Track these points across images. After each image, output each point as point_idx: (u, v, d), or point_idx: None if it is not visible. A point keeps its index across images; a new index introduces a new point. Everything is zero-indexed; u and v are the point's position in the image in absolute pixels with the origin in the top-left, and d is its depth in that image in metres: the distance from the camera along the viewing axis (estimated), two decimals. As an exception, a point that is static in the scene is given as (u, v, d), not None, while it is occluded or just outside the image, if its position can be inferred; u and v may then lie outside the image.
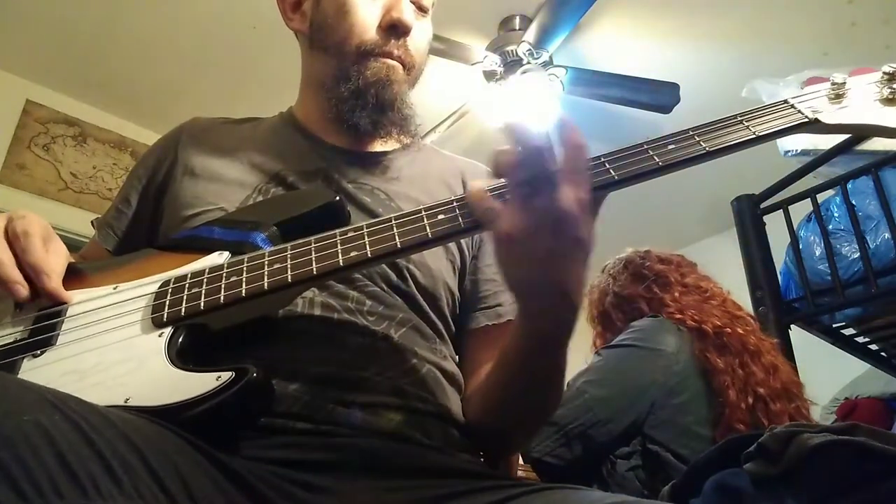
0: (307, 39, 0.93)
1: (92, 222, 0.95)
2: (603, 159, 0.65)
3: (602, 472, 1.48)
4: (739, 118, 0.67)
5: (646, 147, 0.65)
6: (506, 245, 0.60)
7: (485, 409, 0.78)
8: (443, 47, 2.62)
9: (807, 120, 0.64)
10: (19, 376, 0.63)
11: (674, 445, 1.42)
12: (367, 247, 0.66)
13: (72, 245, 0.76)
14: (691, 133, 0.65)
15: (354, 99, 0.86)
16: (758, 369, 1.46)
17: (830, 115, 0.65)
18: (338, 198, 0.76)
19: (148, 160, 0.94)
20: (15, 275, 0.68)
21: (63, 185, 3.14)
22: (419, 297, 0.81)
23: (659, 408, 1.45)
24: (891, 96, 0.64)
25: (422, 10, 0.92)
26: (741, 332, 1.51)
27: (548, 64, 2.79)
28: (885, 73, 0.65)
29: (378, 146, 0.95)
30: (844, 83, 0.66)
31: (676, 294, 1.61)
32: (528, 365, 0.70)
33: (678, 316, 1.55)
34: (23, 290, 0.68)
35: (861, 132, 0.66)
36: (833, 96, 0.66)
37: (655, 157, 0.64)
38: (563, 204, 0.57)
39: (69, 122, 3.22)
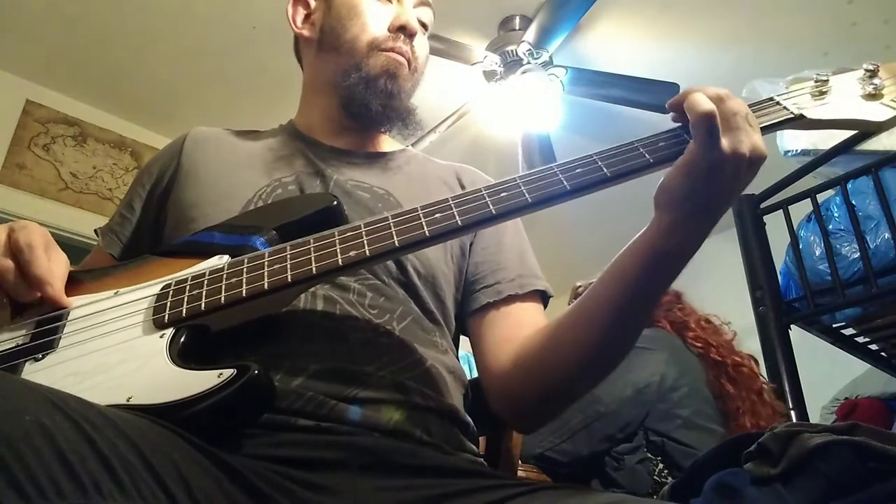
0: (316, 44, 0.98)
1: (96, 231, 0.96)
2: (595, 157, 0.66)
3: (606, 471, 1.55)
4: None
5: (637, 145, 0.67)
6: (706, 161, 0.62)
7: (547, 363, 0.77)
8: (443, 47, 2.62)
9: (792, 116, 0.67)
10: (21, 379, 0.64)
11: (675, 434, 1.52)
12: (366, 245, 0.66)
13: (71, 245, 0.77)
14: (680, 131, 0.67)
15: (364, 84, 0.91)
16: (763, 409, 1.61)
17: (814, 111, 0.67)
18: (335, 202, 0.78)
19: (152, 167, 0.97)
20: (21, 287, 0.69)
21: (63, 185, 3.14)
22: (419, 285, 0.83)
23: (659, 402, 1.56)
24: (872, 92, 0.66)
25: (423, 26, 1.00)
26: (754, 372, 1.68)
27: (548, 64, 2.79)
28: (866, 70, 0.67)
29: (377, 147, 0.98)
30: (827, 80, 0.68)
31: (702, 323, 1.75)
32: (637, 289, 0.70)
33: (699, 346, 1.70)
34: (30, 295, 0.70)
35: (843, 127, 0.68)
36: (817, 93, 0.68)
37: (647, 155, 0.66)
38: (761, 147, 0.63)
39: (69, 122, 3.22)
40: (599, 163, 0.66)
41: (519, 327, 0.84)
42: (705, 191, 0.63)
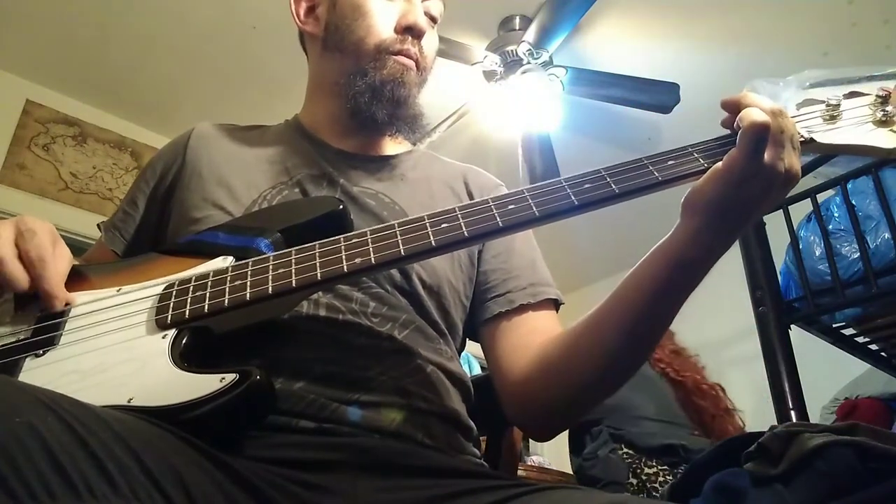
0: (320, 42, 0.95)
1: (98, 225, 0.95)
2: (603, 172, 0.66)
3: (585, 475, 1.88)
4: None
5: (645, 162, 0.67)
6: (744, 171, 0.62)
7: (565, 369, 0.76)
8: (443, 47, 2.61)
9: (803, 139, 0.67)
10: (21, 376, 0.64)
11: (635, 427, 1.87)
12: (371, 253, 0.66)
13: (71, 245, 0.77)
14: (690, 150, 0.67)
15: (371, 92, 0.88)
16: (729, 424, 2.02)
17: (824, 136, 0.68)
18: (342, 206, 0.77)
19: (156, 164, 0.95)
20: (22, 276, 0.69)
21: (63, 185, 3.14)
22: (423, 296, 0.82)
23: (617, 411, 1.90)
24: (883, 118, 0.67)
25: (432, 19, 0.96)
26: (717, 393, 2.11)
27: (548, 64, 2.79)
28: (877, 96, 0.68)
29: (383, 150, 0.97)
30: (839, 105, 0.69)
31: (666, 352, 2.14)
32: (657, 296, 0.69)
33: (661, 365, 2.08)
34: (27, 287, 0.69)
35: (853, 152, 0.69)
36: (828, 117, 0.69)
37: (655, 172, 0.66)
38: (797, 169, 0.65)
39: (69, 122, 3.21)
40: (608, 178, 0.66)
41: (533, 335, 0.83)
42: (734, 200, 0.63)
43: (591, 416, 1.93)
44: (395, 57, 0.89)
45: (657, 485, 1.74)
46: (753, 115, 0.62)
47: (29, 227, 0.72)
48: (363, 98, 0.88)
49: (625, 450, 1.83)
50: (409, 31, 0.90)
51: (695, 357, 2.17)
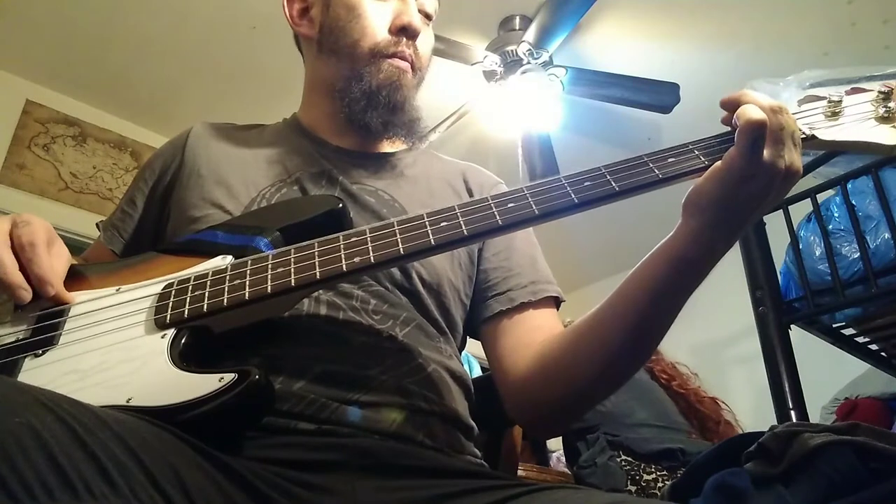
0: (315, 44, 0.95)
1: (97, 224, 0.95)
2: (604, 170, 0.66)
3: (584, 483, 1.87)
4: None
5: (646, 160, 0.66)
6: (742, 169, 0.62)
7: (567, 367, 0.76)
8: (443, 47, 2.61)
9: (804, 136, 0.67)
10: (20, 376, 0.64)
11: (631, 433, 1.90)
12: (371, 252, 0.66)
13: (71, 245, 0.77)
14: (691, 147, 0.67)
15: (366, 99, 0.88)
16: (731, 430, 2.13)
17: (826, 132, 0.67)
18: (341, 205, 0.77)
19: (154, 163, 0.95)
20: (19, 280, 0.68)
21: (63, 185, 3.14)
22: (424, 294, 0.82)
23: (612, 420, 1.95)
24: (885, 115, 0.66)
25: (427, 17, 0.96)
26: (718, 404, 2.23)
27: (548, 64, 2.78)
28: (879, 92, 0.67)
29: (382, 147, 0.97)
30: (841, 101, 0.68)
31: (669, 364, 2.24)
32: (659, 296, 0.69)
33: (664, 376, 2.16)
34: (27, 294, 0.68)
35: (856, 149, 0.68)
36: (829, 114, 0.68)
37: (655, 170, 0.66)
38: (798, 166, 0.64)
39: (69, 122, 3.21)
40: (608, 176, 0.66)
41: (534, 333, 0.83)
42: (734, 198, 0.63)
43: (586, 423, 1.93)
44: (389, 60, 0.89)
45: (657, 491, 1.74)
46: (750, 112, 0.62)
47: (24, 219, 0.72)
48: (358, 105, 0.88)
49: (623, 457, 1.83)
50: (404, 31, 0.90)
51: (692, 375, 2.29)
